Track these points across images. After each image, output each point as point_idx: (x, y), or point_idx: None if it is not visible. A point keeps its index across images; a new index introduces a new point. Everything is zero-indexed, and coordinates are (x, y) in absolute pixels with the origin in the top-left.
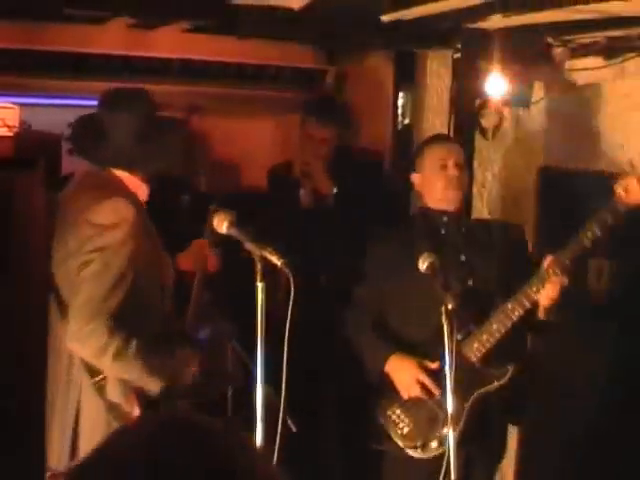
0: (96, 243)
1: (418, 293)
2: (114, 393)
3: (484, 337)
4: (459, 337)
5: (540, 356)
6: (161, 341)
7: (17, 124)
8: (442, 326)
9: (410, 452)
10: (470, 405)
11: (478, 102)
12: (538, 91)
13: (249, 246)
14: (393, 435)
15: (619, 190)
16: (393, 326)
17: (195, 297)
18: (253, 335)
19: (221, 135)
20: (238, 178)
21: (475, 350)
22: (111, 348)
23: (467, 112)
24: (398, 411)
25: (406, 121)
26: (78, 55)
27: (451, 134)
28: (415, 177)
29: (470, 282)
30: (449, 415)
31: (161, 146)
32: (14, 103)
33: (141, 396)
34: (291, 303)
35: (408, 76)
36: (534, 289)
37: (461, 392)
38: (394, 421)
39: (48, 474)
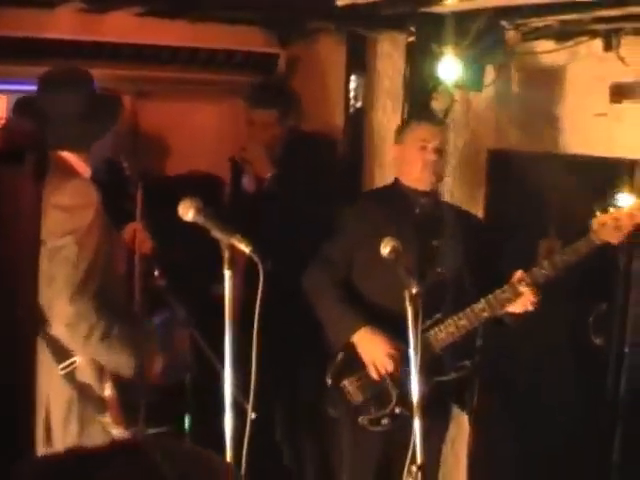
0: (66, 226)
1: (387, 270)
2: (85, 375)
3: (451, 329)
4: (427, 322)
5: (489, 352)
6: (132, 323)
7: (3, 115)
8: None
9: (361, 422)
10: (428, 391)
11: (430, 85)
12: (490, 74)
13: (216, 234)
14: (346, 405)
15: (596, 225)
16: (359, 296)
17: (138, 281)
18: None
19: (171, 120)
20: (188, 163)
21: (440, 340)
22: (98, 330)
23: (420, 95)
24: (354, 382)
25: (358, 104)
26: (27, 40)
27: (405, 117)
28: (395, 148)
29: (439, 269)
30: (415, 402)
31: (102, 124)
32: None
33: (113, 378)
34: (260, 291)
35: (360, 60)
36: (505, 296)
37: (422, 378)
38: (348, 392)
39: None
